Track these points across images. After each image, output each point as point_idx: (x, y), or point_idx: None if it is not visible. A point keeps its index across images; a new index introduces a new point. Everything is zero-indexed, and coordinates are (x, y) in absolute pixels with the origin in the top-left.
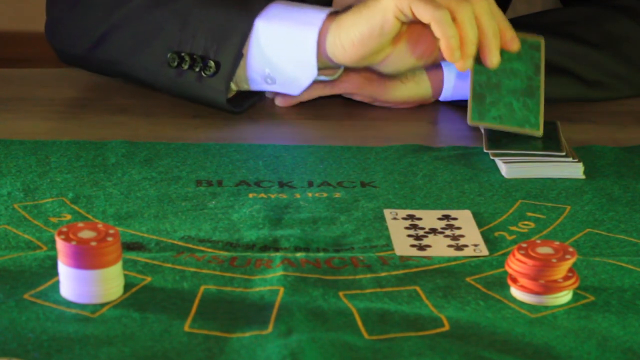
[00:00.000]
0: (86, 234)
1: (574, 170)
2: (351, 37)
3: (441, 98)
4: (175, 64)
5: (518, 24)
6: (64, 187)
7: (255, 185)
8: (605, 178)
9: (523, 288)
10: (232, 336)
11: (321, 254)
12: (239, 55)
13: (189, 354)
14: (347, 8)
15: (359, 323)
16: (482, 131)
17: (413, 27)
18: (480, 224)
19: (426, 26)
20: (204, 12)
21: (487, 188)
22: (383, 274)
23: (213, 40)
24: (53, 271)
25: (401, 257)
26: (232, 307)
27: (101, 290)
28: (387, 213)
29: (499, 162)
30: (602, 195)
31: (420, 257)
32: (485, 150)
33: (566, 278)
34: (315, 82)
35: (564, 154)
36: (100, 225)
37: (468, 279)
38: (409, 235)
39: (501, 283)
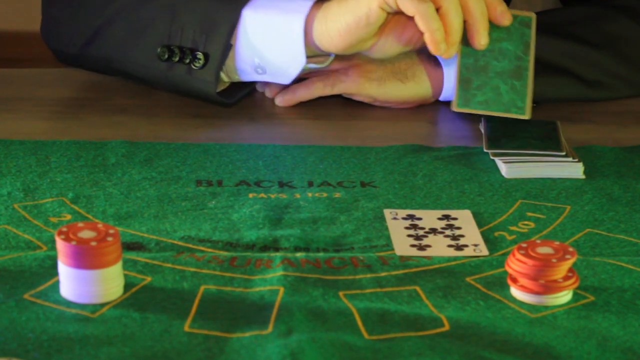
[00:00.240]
0: (86, 234)
1: (574, 170)
2: (337, 27)
3: (441, 98)
4: (166, 57)
5: None
6: (64, 187)
7: (255, 185)
8: (605, 178)
9: (523, 288)
10: (232, 336)
11: (321, 254)
12: (227, 46)
13: (189, 354)
14: None
15: (359, 323)
16: (482, 131)
17: (399, 15)
18: (480, 224)
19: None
20: (192, 4)
21: (487, 188)
22: (383, 274)
23: (201, 32)
24: (53, 271)
25: (401, 257)
26: (232, 307)
27: (101, 290)
28: (387, 213)
29: (499, 162)
30: (602, 195)
31: (420, 257)
32: (485, 150)
33: (566, 278)
34: (315, 83)
35: (564, 153)
36: (100, 225)
37: (468, 279)
38: (409, 235)
39: (501, 283)
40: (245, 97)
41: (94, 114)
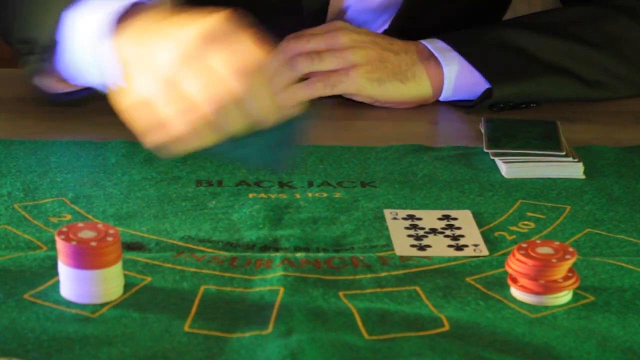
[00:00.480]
0: (86, 234)
1: (574, 170)
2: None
3: (441, 98)
4: (20, 52)
5: (518, 24)
6: (64, 187)
7: (255, 185)
8: (605, 178)
9: (523, 288)
10: (232, 336)
11: (321, 254)
12: (54, 44)
13: (189, 354)
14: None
15: (359, 323)
16: (482, 131)
17: None
18: (480, 224)
19: None
20: None
21: (487, 188)
22: (383, 274)
23: (38, 29)
24: (53, 271)
25: (401, 257)
26: (232, 307)
27: (101, 290)
28: (387, 213)
29: (499, 162)
30: (602, 195)
31: (420, 257)
32: (485, 150)
33: (566, 278)
34: (315, 83)
35: (564, 153)
36: (100, 225)
37: (468, 279)
38: (409, 235)
39: (501, 283)
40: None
41: (94, 114)
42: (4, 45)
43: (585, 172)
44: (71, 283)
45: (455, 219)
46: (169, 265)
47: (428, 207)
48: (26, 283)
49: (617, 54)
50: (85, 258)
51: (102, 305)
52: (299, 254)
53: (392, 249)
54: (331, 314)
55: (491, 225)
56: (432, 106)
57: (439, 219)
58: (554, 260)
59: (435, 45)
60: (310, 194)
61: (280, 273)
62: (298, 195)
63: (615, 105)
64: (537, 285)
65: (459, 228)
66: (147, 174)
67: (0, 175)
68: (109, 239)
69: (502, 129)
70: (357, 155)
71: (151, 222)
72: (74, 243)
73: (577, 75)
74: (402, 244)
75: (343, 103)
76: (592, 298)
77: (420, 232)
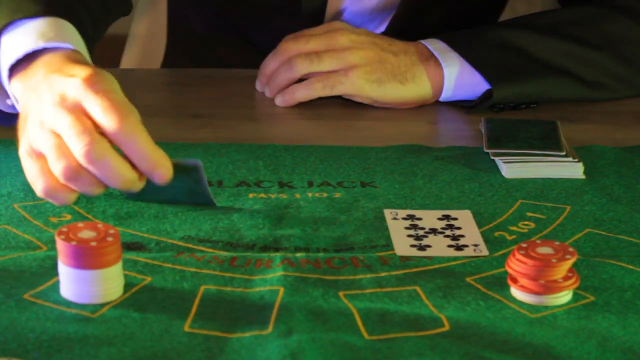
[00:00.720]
0: (86, 234)
1: (574, 170)
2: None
3: (441, 99)
4: None
5: (518, 24)
6: None
7: (255, 185)
8: (605, 178)
9: (523, 288)
10: (232, 336)
11: (321, 254)
12: None
13: (189, 354)
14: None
15: (359, 323)
16: (482, 131)
17: None
18: (480, 224)
19: None
20: None
21: (487, 188)
22: (383, 274)
23: None
24: (53, 271)
25: (401, 257)
26: (232, 307)
27: (101, 290)
28: (387, 213)
29: (499, 162)
30: (602, 195)
31: (420, 257)
32: (485, 150)
33: (566, 278)
34: (315, 84)
35: (564, 153)
36: (100, 225)
37: (468, 279)
38: (409, 235)
39: (501, 283)
40: None
41: None
42: None
43: (585, 172)
44: (71, 283)
45: (455, 219)
46: (169, 265)
47: (428, 207)
48: (26, 283)
49: (617, 55)
50: (85, 258)
51: (102, 305)
52: (299, 254)
53: (392, 249)
54: (331, 314)
55: (491, 225)
56: (432, 106)
57: (439, 219)
58: (554, 260)
59: (435, 46)
60: (310, 194)
61: (280, 273)
62: (298, 195)
63: (615, 105)
64: (537, 285)
65: (459, 228)
66: None
67: (0, 175)
68: (109, 239)
69: (502, 129)
70: (357, 155)
71: (151, 222)
72: (74, 243)
73: (577, 75)
74: (402, 244)
75: (343, 103)
76: (592, 298)
77: (420, 232)
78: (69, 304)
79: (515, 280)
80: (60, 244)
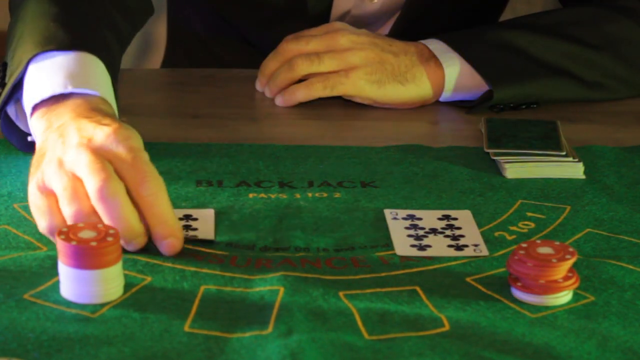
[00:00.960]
0: (86, 234)
1: (574, 170)
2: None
3: (441, 99)
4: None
5: (518, 24)
6: None
7: (255, 185)
8: (606, 178)
9: (523, 288)
10: (232, 336)
11: (321, 254)
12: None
13: (189, 354)
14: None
15: (359, 323)
16: (482, 131)
17: None
18: (480, 224)
19: None
20: (22, 28)
21: (487, 188)
22: (383, 274)
23: (11, 61)
24: (53, 271)
25: (401, 257)
26: (232, 307)
27: (101, 290)
28: (388, 213)
29: (499, 162)
30: (603, 195)
31: (420, 257)
32: (485, 150)
33: (566, 278)
34: (315, 84)
35: (564, 153)
36: (100, 225)
37: (468, 279)
38: (409, 236)
39: (501, 283)
40: None
41: None
42: (3, 45)
43: (585, 172)
44: (71, 283)
45: (455, 219)
46: (169, 265)
47: (428, 207)
48: (26, 283)
49: (617, 55)
50: (85, 258)
51: (102, 305)
52: (299, 254)
53: (392, 249)
54: (331, 314)
55: (491, 225)
56: (432, 106)
57: (439, 219)
58: (554, 260)
59: (435, 46)
60: (310, 194)
61: (280, 273)
62: (298, 195)
63: (615, 105)
64: (537, 285)
65: (459, 228)
66: None
67: (0, 175)
68: (109, 239)
69: (502, 129)
70: (357, 155)
71: None
72: (74, 243)
73: (577, 76)
74: (402, 244)
75: (343, 103)
76: (592, 298)
77: (421, 232)
78: (69, 304)
79: (515, 280)
80: (61, 244)
